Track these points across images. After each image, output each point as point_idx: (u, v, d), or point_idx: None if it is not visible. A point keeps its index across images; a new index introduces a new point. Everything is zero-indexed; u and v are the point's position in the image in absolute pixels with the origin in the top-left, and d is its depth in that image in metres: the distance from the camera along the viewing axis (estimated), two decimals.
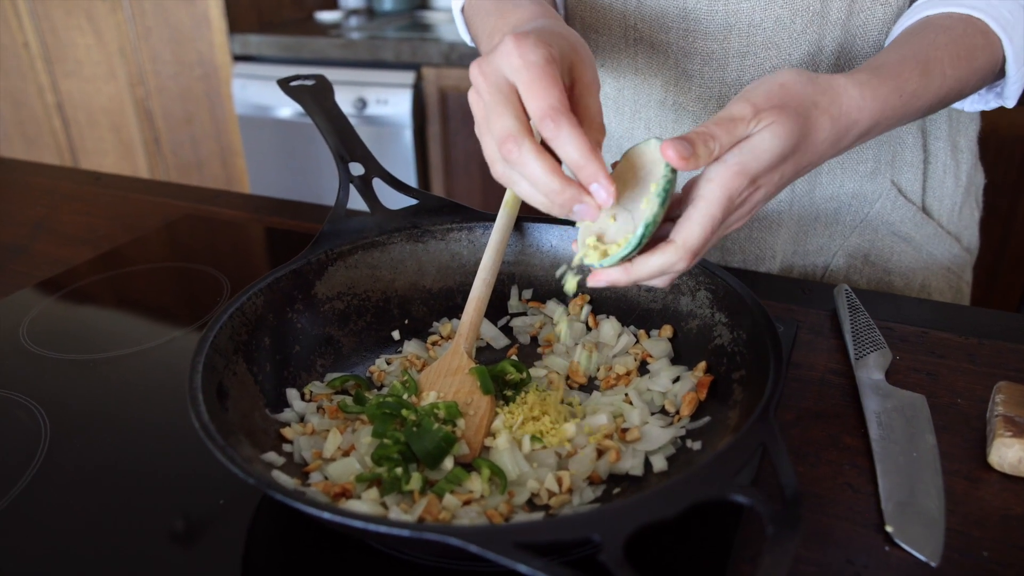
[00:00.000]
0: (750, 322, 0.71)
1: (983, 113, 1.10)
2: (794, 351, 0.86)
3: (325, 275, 0.83)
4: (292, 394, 0.76)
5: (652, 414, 0.74)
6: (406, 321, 0.87)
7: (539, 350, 0.86)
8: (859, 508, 0.65)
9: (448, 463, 0.67)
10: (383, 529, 0.49)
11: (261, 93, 2.82)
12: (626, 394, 0.75)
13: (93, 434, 0.76)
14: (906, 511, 0.64)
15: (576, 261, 0.67)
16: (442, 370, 0.77)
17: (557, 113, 0.58)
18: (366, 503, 0.62)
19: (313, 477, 0.67)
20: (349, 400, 0.75)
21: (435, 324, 0.88)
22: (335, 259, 0.84)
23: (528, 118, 0.61)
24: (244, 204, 1.36)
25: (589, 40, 1.04)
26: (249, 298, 0.76)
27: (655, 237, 0.63)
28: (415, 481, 0.64)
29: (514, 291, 0.90)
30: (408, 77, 2.59)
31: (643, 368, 0.81)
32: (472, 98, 0.64)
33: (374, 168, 0.93)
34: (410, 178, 2.70)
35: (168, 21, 2.96)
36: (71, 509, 0.67)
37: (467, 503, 0.64)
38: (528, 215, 0.88)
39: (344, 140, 0.95)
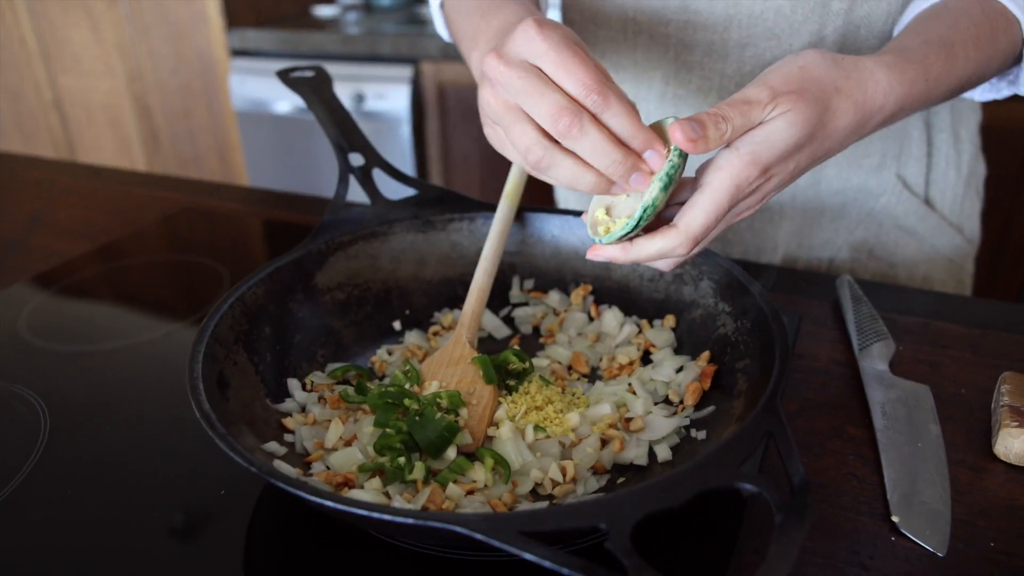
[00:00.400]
0: (754, 311, 0.70)
1: (984, 105, 1.10)
2: (797, 342, 0.86)
3: (326, 265, 0.82)
4: (293, 384, 0.75)
5: (656, 404, 0.74)
6: (407, 311, 0.87)
7: (541, 340, 0.85)
8: (864, 498, 0.65)
9: (451, 452, 0.66)
10: (388, 517, 0.48)
11: (259, 88, 2.82)
12: (629, 384, 0.75)
13: (93, 426, 0.76)
14: (911, 501, 0.64)
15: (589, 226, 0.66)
16: (444, 360, 0.76)
17: (603, 86, 0.57)
18: (369, 493, 0.62)
19: (315, 467, 0.66)
20: (351, 390, 0.75)
21: (436, 314, 0.88)
22: (335, 249, 0.83)
23: None
24: (242, 197, 1.36)
25: (588, 33, 1.04)
26: (250, 288, 0.75)
27: (662, 218, 0.63)
28: (418, 471, 0.63)
29: (516, 281, 0.89)
30: (406, 72, 2.58)
31: (646, 358, 0.80)
32: (487, 93, 0.62)
33: (374, 158, 0.93)
34: (408, 173, 2.68)
35: (166, 17, 2.95)
36: (71, 500, 0.67)
37: (470, 493, 0.63)
38: (529, 206, 0.88)
39: (343, 131, 0.94)
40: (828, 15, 0.90)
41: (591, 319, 0.85)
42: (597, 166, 0.59)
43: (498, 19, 0.74)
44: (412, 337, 0.84)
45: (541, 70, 0.59)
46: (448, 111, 2.61)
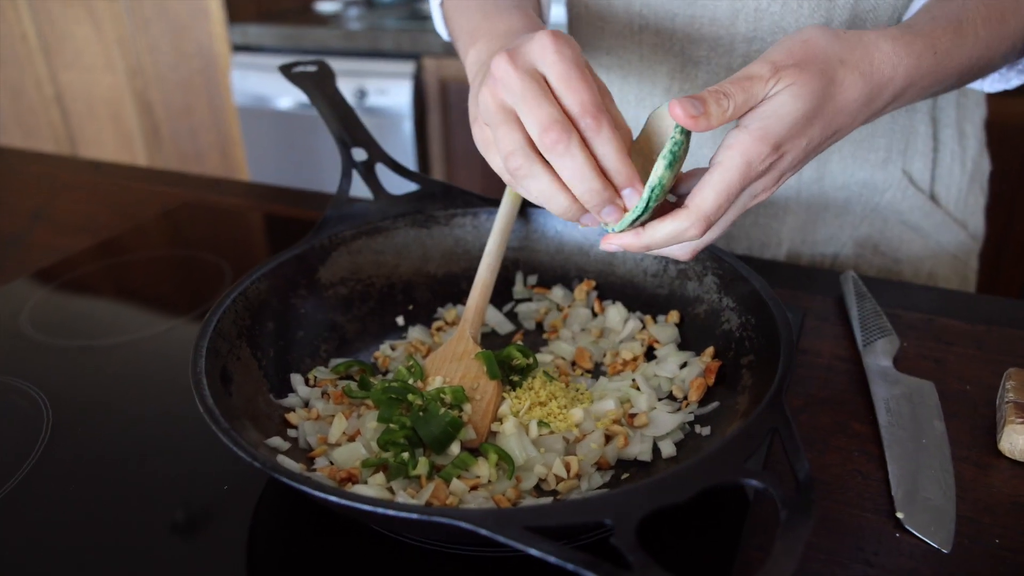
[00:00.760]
0: (759, 307, 0.70)
1: (988, 101, 1.10)
2: (801, 338, 0.86)
3: (328, 260, 0.82)
4: (296, 379, 0.75)
5: (660, 400, 0.74)
6: (410, 307, 0.87)
7: (544, 336, 0.85)
8: (869, 495, 0.65)
9: (455, 448, 0.66)
10: (392, 512, 0.48)
11: (260, 83, 2.81)
12: (633, 380, 0.75)
13: (95, 421, 0.76)
14: (916, 498, 0.63)
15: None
16: (448, 355, 0.76)
17: (599, 111, 0.56)
18: (372, 488, 0.61)
19: (318, 462, 0.66)
20: (354, 385, 0.75)
21: (439, 310, 0.88)
22: (338, 244, 0.83)
23: None
24: (244, 192, 1.35)
25: (594, 28, 1.04)
26: (252, 283, 0.75)
27: (675, 206, 0.62)
28: (422, 466, 0.63)
29: (519, 277, 0.89)
30: (408, 67, 2.58)
31: (650, 354, 0.80)
32: (486, 91, 0.61)
33: (377, 153, 0.92)
34: (409, 168, 2.68)
35: (167, 12, 2.95)
36: (73, 495, 0.67)
37: (474, 488, 0.63)
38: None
39: (346, 125, 0.94)
40: (835, 8, 0.89)
41: (595, 315, 0.85)
42: (573, 190, 0.59)
43: (504, 23, 0.74)
44: (415, 332, 0.84)
45: (546, 80, 0.58)
46: (450, 107, 2.60)
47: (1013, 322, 0.87)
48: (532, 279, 0.89)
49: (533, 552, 0.44)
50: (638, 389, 0.74)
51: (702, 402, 0.72)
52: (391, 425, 0.67)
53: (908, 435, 0.70)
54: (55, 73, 3.33)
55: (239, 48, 2.88)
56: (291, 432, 0.70)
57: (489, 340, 0.85)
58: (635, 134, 1.06)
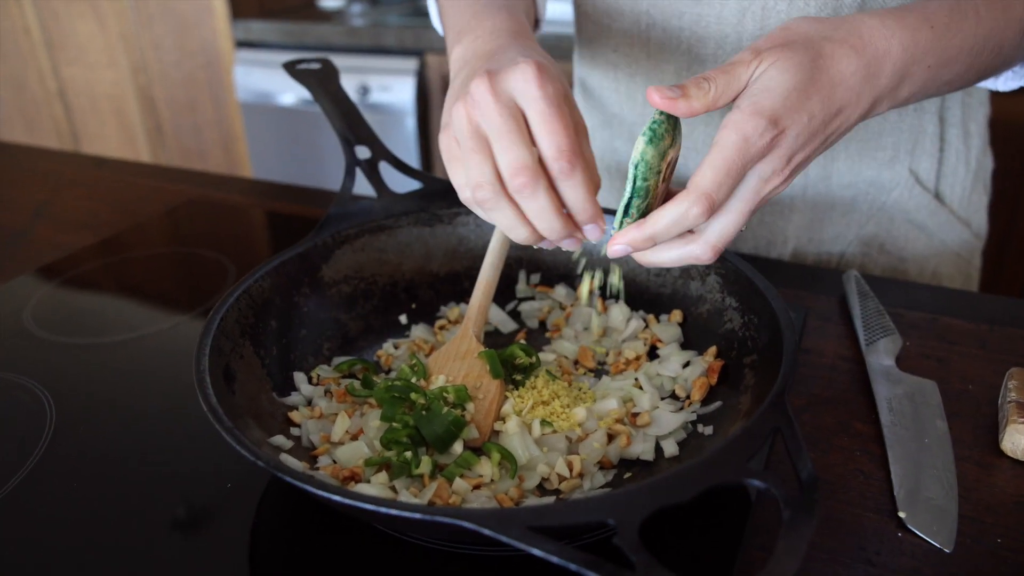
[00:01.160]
0: (762, 306, 0.70)
1: (991, 99, 1.09)
2: (803, 337, 0.85)
3: (332, 258, 0.82)
4: (299, 377, 0.75)
5: (662, 399, 0.74)
6: (413, 305, 0.87)
7: (547, 335, 0.85)
8: (871, 494, 0.65)
9: (457, 447, 0.66)
10: (395, 512, 0.48)
11: (264, 80, 2.81)
12: (636, 379, 0.75)
13: (98, 418, 0.76)
14: (918, 497, 0.63)
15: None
16: (451, 354, 0.76)
17: (574, 155, 0.57)
18: (375, 487, 0.62)
19: (321, 461, 0.66)
20: (357, 384, 0.75)
21: (442, 308, 0.88)
22: (342, 242, 0.83)
23: None
24: (247, 189, 1.35)
25: (601, 26, 1.03)
26: (256, 281, 0.75)
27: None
28: (424, 465, 0.63)
29: (522, 275, 0.89)
30: (411, 64, 2.58)
31: (652, 353, 0.80)
32: (463, 109, 0.60)
33: (380, 151, 0.92)
34: (413, 165, 2.68)
35: (170, 8, 2.94)
36: (76, 492, 0.67)
37: (477, 487, 0.63)
38: None
39: (350, 123, 0.94)
40: (842, 6, 0.89)
41: (598, 314, 0.85)
42: (535, 225, 0.60)
43: (491, 21, 0.74)
44: (418, 331, 0.84)
45: (525, 115, 0.58)
46: None
47: (1016, 321, 0.87)
48: (535, 278, 0.89)
49: (536, 552, 0.44)
50: (641, 388, 0.74)
51: (705, 401, 0.72)
52: (394, 424, 0.67)
53: (910, 435, 0.70)
54: (58, 68, 3.33)
55: (242, 44, 2.88)
56: (294, 431, 0.70)
57: (492, 339, 0.85)
58: (637, 133, 1.07)
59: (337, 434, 0.69)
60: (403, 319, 0.86)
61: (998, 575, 0.58)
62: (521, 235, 0.61)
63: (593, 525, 0.49)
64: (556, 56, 0.74)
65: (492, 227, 0.86)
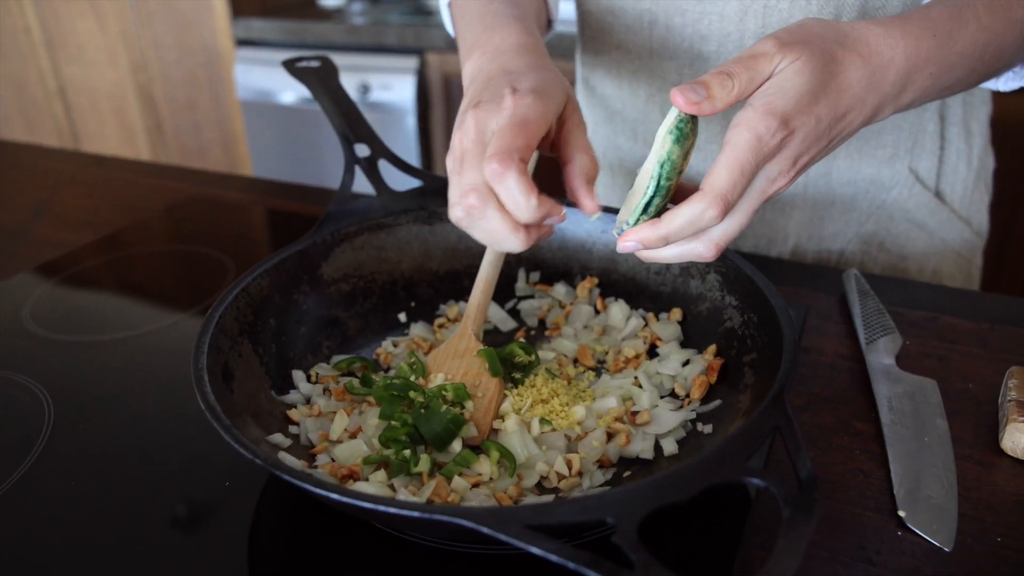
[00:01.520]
0: (761, 305, 0.70)
1: (993, 98, 1.09)
2: (803, 336, 0.85)
3: (331, 256, 0.82)
4: (298, 376, 0.75)
5: (662, 397, 0.74)
6: (412, 303, 0.87)
7: (547, 333, 0.85)
8: (870, 493, 0.65)
9: (456, 445, 0.66)
10: (394, 510, 0.48)
11: (264, 78, 2.81)
12: (635, 377, 0.75)
13: (97, 416, 0.76)
14: (918, 496, 0.63)
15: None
16: (450, 352, 0.76)
17: (505, 157, 0.56)
18: (374, 485, 0.61)
19: (320, 459, 0.66)
20: (356, 382, 0.75)
21: (442, 307, 0.87)
22: (341, 240, 0.83)
23: None
24: (247, 187, 1.35)
25: (604, 23, 1.03)
26: (255, 279, 0.75)
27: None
28: (423, 463, 0.63)
29: (521, 274, 0.89)
30: (412, 62, 2.57)
31: (652, 351, 0.80)
32: (457, 136, 0.63)
33: (380, 149, 0.92)
34: (413, 164, 2.68)
35: (170, 6, 2.94)
36: (75, 490, 0.67)
37: (476, 486, 0.63)
38: None
39: (350, 121, 0.94)
40: (844, 5, 0.89)
41: (597, 312, 0.85)
42: (495, 242, 0.61)
43: (499, 36, 0.74)
44: (417, 329, 0.84)
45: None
46: (453, 102, 2.60)
47: (1016, 320, 0.87)
48: (535, 276, 0.89)
49: (534, 550, 0.44)
50: (640, 387, 0.73)
51: (704, 400, 0.72)
52: (393, 422, 0.67)
53: (910, 433, 0.70)
54: (58, 67, 3.33)
55: (242, 43, 2.88)
56: (292, 429, 0.70)
57: (491, 337, 0.85)
58: (647, 126, 1.07)
59: (336, 432, 0.68)
60: (402, 317, 0.86)
61: (998, 574, 0.58)
62: (501, 247, 0.62)
63: (592, 524, 0.49)
64: (557, 55, 0.74)
65: None
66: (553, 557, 0.43)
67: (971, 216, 1.10)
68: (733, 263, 0.75)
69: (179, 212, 1.25)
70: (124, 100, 3.24)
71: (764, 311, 0.69)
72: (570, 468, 0.65)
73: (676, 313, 0.81)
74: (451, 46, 2.50)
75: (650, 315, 0.83)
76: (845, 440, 0.71)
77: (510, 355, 0.75)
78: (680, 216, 0.58)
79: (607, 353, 0.81)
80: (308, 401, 0.73)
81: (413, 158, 2.67)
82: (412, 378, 0.74)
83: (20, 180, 1.42)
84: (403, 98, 2.59)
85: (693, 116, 0.58)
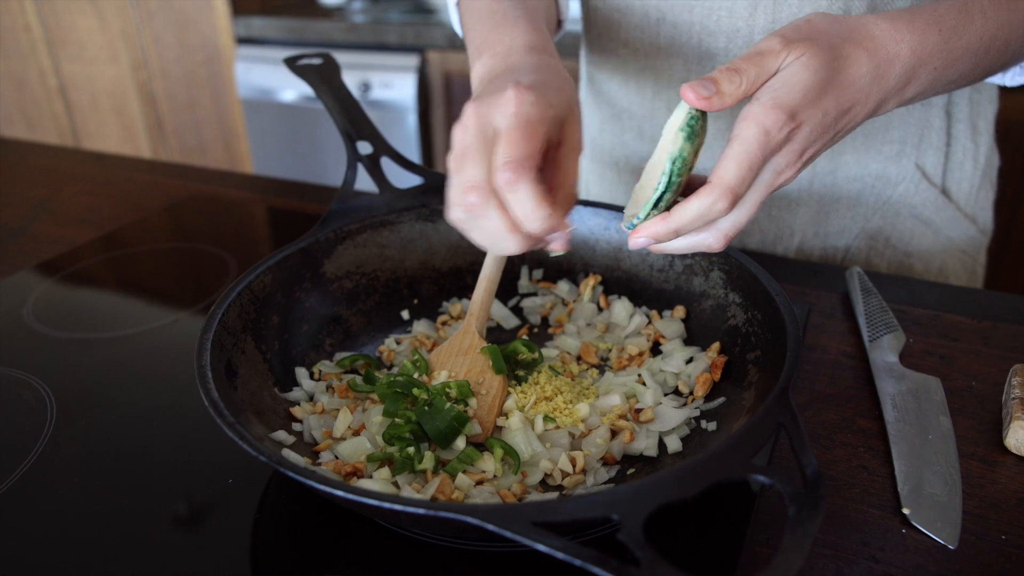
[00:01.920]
0: (765, 302, 0.70)
1: (999, 95, 1.09)
2: (806, 333, 0.85)
3: (334, 254, 0.82)
4: (301, 373, 0.75)
5: (665, 395, 0.74)
6: (415, 301, 0.87)
7: (550, 330, 0.85)
8: (875, 491, 0.65)
9: (460, 443, 0.66)
10: (398, 507, 0.48)
11: (265, 76, 2.81)
12: (639, 375, 0.75)
13: (99, 414, 0.76)
14: (922, 494, 0.63)
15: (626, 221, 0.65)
16: (453, 349, 0.76)
17: (519, 166, 0.55)
18: (377, 482, 0.61)
19: (323, 456, 0.66)
20: (359, 379, 0.74)
21: (445, 304, 0.87)
22: (343, 238, 0.83)
23: None
24: (249, 185, 1.35)
25: (612, 20, 1.03)
26: (257, 276, 0.75)
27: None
28: (427, 460, 0.63)
29: (524, 271, 0.89)
30: (412, 60, 2.57)
31: (656, 349, 0.80)
32: (458, 131, 0.61)
33: (382, 147, 0.92)
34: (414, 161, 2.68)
35: (171, 4, 2.94)
36: (77, 488, 0.67)
37: (479, 483, 0.63)
38: None
39: (351, 119, 0.94)
40: (853, 0, 0.89)
41: (600, 309, 0.85)
42: (493, 243, 0.60)
43: (509, 37, 0.73)
44: (420, 326, 0.84)
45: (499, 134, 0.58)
46: (454, 100, 2.60)
47: (1019, 318, 0.87)
48: (538, 273, 0.89)
49: (540, 548, 0.44)
50: (644, 384, 0.73)
51: (708, 397, 0.72)
52: (396, 419, 0.67)
53: (914, 431, 0.70)
54: (59, 65, 3.33)
55: (243, 41, 2.88)
56: (296, 426, 0.69)
57: (494, 334, 0.85)
58: (653, 123, 1.06)
59: (339, 430, 0.68)
60: (405, 315, 0.86)
61: (1002, 571, 0.57)
62: (499, 248, 0.61)
63: (598, 520, 0.49)
64: (562, 52, 0.74)
65: None
66: (559, 554, 0.43)
67: (976, 214, 1.10)
68: (737, 260, 0.75)
69: (180, 210, 1.25)
70: (125, 98, 3.24)
71: (768, 308, 0.69)
72: (574, 465, 0.65)
73: (680, 310, 0.81)
74: (452, 44, 2.50)
75: (653, 312, 0.82)
76: (849, 437, 0.71)
77: (513, 352, 0.75)
78: (690, 209, 0.59)
79: (610, 350, 0.80)
80: (311, 398, 0.73)
81: (414, 156, 2.67)
82: (415, 375, 0.74)
83: (21, 178, 1.42)
84: (404, 96, 2.59)
85: (703, 113, 0.59)
